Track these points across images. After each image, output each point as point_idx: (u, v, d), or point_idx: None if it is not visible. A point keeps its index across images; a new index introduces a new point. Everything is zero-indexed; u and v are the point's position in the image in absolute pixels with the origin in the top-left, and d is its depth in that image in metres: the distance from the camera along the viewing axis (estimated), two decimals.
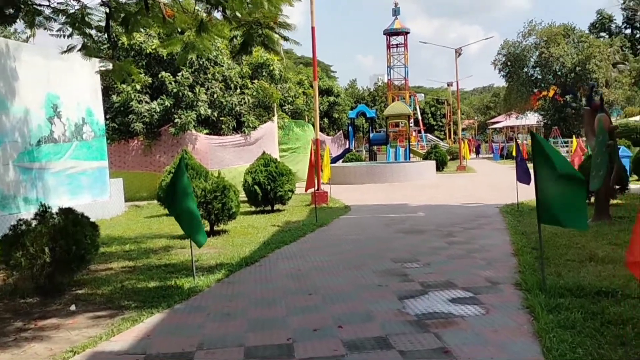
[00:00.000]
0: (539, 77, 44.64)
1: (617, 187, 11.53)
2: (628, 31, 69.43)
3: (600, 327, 4.10)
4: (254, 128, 18.77)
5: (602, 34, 58.08)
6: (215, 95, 17.81)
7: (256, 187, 12.79)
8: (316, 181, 13.46)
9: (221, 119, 18.18)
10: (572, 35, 44.41)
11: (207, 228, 9.33)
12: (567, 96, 43.79)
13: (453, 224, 10.02)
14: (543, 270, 5.47)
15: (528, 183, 11.30)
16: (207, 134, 17.77)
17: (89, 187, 12.62)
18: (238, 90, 18.94)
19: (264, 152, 14.13)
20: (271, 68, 21.44)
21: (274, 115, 20.42)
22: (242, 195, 12.33)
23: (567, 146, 37.35)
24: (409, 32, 52.82)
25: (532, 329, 4.22)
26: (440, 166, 26.15)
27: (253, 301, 5.41)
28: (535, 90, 45.31)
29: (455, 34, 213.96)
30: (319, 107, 26.24)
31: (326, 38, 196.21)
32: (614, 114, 47.39)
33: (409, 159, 30.68)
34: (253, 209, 13.18)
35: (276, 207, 13.30)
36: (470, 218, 10.70)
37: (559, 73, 42.75)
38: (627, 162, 16.63)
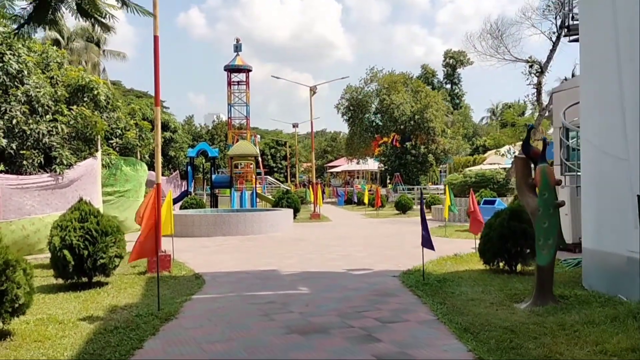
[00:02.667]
0: (380, 123, 44.96)
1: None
2: (448, 86, 74.99)
3: None
4: (69, 166, 14.41)
5: (427, 87, 61.62)
6: (14, 121, 13.30)
7: (66, 252, 8.77)
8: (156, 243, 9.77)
9: (22, 152, 13.63)
10: (410, 84, 45.64)
11: None
12: (406, 143, 44.53)
13: (357, 310, 7.14)
14: None
15: (433, 248, 9.07)
16: (0, 171, 13.11)
17: None
18: (48, 116, 14.54)
19: (80, 199, 10.11)
20: (95, 92, 17.25)
21: (97, 150, 16.18)
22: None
23: (411, 192, 37.30)
24: (250, 70, 50.67)
25: None
26: (294, 214, 23.54)
27: None
28: (377, 136, 45.57)
29: (286, 79, 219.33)
30: (152, 145, 22.33)
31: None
32: (447, 162, 49.44)
33: (256, 205, 27.70)
34: (62, 282, 9.10)
35: (96, 278, 9.33)
36: (374, 298, 7.91)
37: (399, 120, 43.34)
38: None
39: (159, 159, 10.92)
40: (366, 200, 29.11)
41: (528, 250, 9.57)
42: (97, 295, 8.44)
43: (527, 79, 21.21)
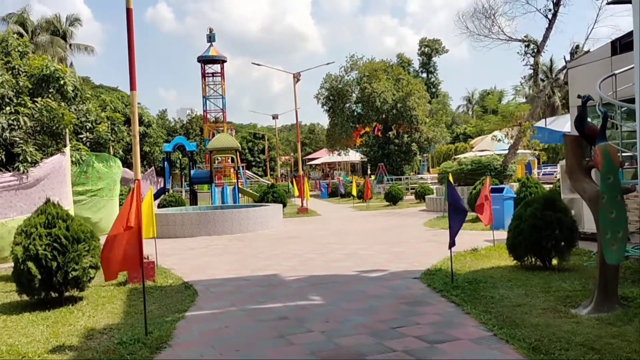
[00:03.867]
0: (361, 112, 43.71)
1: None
2: (424, 75, 74.21)
3: None
4: (34, 163, 12.87)
5: (408, 74, 60.63)
6: None
7: (31, 264, 7.33)
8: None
9: None
10: (391, 72, 44.48)
11: None
12: (389, 132, 43.43)
13: (390, 325, 5.89)
14: None
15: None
16: None
17: None
18: (9, 109, 12.96)
19: (47, 200, 8.65)
20: (61, 82, 15.64)
21: (65, 146, 14.61)
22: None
23: (396, 183, 36.22)
24: (225, 61, 48.96)
25: None
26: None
27: None
28: (358, 126, 44.36)
29: (258, 73, 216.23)
30: (127, 139, 20.70)
31: (124, 66, 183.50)
32: (430, 151, 48.53)
33: (238, 201, 26.26)
34: (26, 299, 7.66)
35: (69, 293, 7.90)
36: (404, 308, 6.66)
37: (381, 109, 42.14)
38: (511, 205, 14.29)
39: (137, 151, 9.49)
40: (354, 192, 27.90)
41: (563, 243, 8.47)
42: (70, 314, 7.04)
43: (523, 60, 20.19)
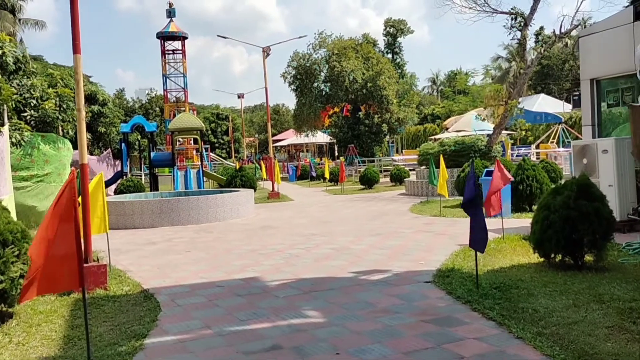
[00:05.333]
0: (330, 92, 42.00)
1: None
2: (389, 56, 72.94)
3: None
4: None
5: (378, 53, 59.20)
6: None
7: None
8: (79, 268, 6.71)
9: None
10: (361, 51, 42.87)
11: None
12: (359, 113, 41.97)
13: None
14: None
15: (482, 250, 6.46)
16: None
17: None
18: None
19: None
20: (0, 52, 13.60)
21: (2, 125, 12.62)
22: None
23: (366, 165, 34.87)
24: (186, 37, 46.47)
25: None
26: None
27: None
28: (327, 106, 42.73)
29: (218, 53, 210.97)
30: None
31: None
32: (400, 131, 47.35)
33: (203, 185, 24.40)
34: None
35: None
36: (431, 329, 5.18)
37: (350, 89, 40.54)
38: (509, 190, 13.00)
39: (83, 128, 7.68)
40: (327, 175, 26.40)
41: (599, 238, 7.13)
42: None
43: (509, 33, 18.88)
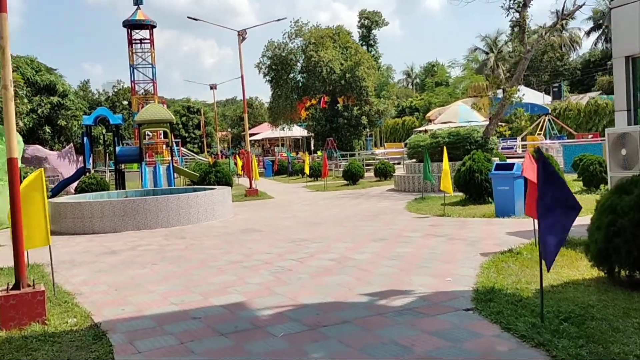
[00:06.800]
0: (307, 83, 40.25)
1: None
2: (364, 48, 71.56)
3: None
4: None
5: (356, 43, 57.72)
6: None
7: None
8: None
9: None
10: (339, 40, 41.22)
11: None
12: (337, 105, 40.35)
13: None
14: None
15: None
16: None
17: None
18: None
19: None
20: None
21: None
22: None
23: (346, 159, 33.29)
24: (155, 26, 44.04)
25: None
26: None
27: None
28: (304, 98, 41.00)
29: (187, 47, 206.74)
30: (38, 111, 16.52)
31: (43, 37, 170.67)
32: (379, 124, 45.91)
33: (173, 182, 22.46)
34: None
35: None
36: None
37: (327, 80, 38.87)
38: (521, 185, 11.52)
39: (11, 112, 5.86)
40: (307, 170, 24.71)
41: None
42: None
43: (507, 15, 17.46)
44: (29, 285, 5.79)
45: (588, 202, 12.96)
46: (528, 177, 8.17)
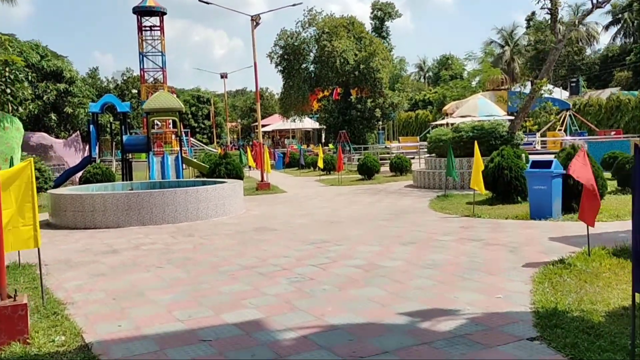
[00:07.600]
0: (320, 74, 39.17)
1: None
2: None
3: None
4: None
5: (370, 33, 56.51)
6: None
7: None
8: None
9: None
10: (353, 30, 40.11)
11: None
12: (350, 97, 39.31)
13: None
14: None
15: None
16: None
17: None
18: None
19: None
20: None
21: None
22: None
23: (359, 153, 32.33)
24: (165, 13, 43.17)
25: None
26: None
27: None
28: (316, 89, 39.94)
29: (198, 37, 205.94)
30: (44, 98, 15.70)
31: (54, 25, 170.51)
32: (393, 117, 44.87)
33: (182, 174, 21.60)
34: None
35: None
36: None
37: (341, 70, 37.77)
38: (559, 184, 10.54)
39: None
40: (321, 164, 23.80)
41: None
42: None
43: (538, 2, 16.36)
44: (9, 297, 4.93)
45: (624, 203, 12.15)
46: (581, 179, 7.25)
